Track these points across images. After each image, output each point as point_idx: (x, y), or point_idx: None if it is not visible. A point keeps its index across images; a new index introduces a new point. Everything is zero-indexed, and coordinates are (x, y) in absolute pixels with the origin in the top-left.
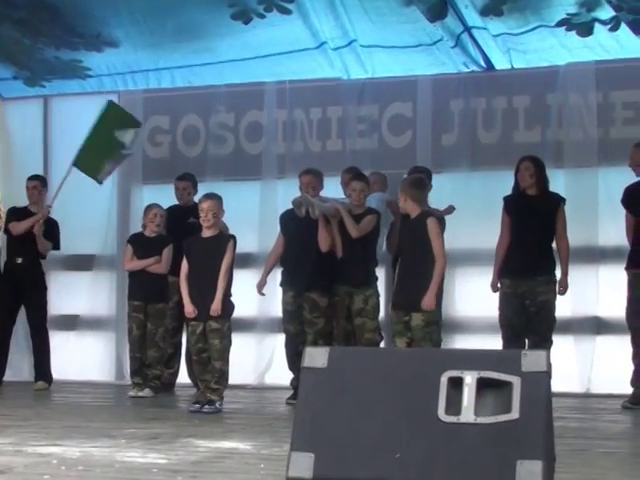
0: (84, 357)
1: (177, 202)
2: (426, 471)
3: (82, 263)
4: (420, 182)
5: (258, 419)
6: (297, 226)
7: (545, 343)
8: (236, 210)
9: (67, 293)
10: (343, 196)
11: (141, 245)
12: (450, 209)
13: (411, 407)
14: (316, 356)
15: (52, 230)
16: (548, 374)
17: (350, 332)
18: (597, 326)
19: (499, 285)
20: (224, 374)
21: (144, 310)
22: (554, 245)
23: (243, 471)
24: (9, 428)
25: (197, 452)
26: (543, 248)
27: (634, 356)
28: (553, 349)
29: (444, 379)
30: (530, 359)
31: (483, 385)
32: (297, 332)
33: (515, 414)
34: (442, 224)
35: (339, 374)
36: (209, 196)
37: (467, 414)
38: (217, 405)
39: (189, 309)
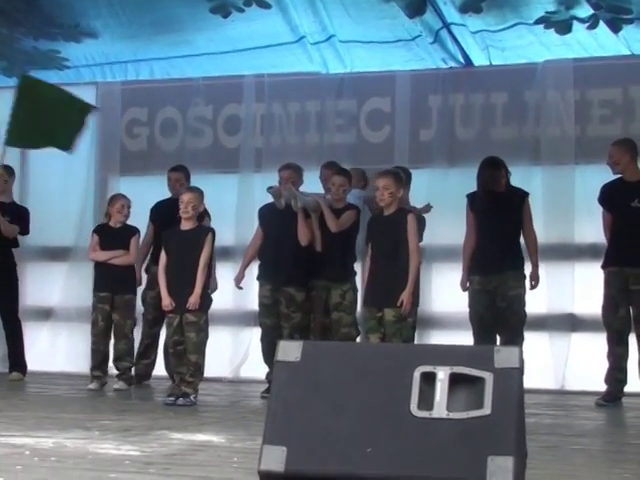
0: (59, 348)
1: (170, 194)
2: (398, 466)
3: (57, 254)
4: (402, 179)
5: (232, 412)
6: (276, 219)
7: (517, 339)
8: (213, 203)
9: (42, 284)
10: (322, 191)
11: (107, 235)
12: (427, 208)
13: (384, 402)
14: (289, 350)
15: (22, 215)
16: (521, 370)
17: (327, 326)
18: (572, 323)
19: (468, 283)
20: (199, 367)
21: (111, 301)
22: (522, 240)
23: (216, 464)
24: None
25: (170, 444)
26: (511, 243)
27: (608, 354)
28: (528, 345)
29: (417, 374)
30: (503, 355)
31: (456, 381)
32: (273, 326)
33: (487, 410)
34: (422, 222)
35: (312, 368)
36: (190, 189)
37: (439, 409)
38: (192, 398)
39: (166, 302)
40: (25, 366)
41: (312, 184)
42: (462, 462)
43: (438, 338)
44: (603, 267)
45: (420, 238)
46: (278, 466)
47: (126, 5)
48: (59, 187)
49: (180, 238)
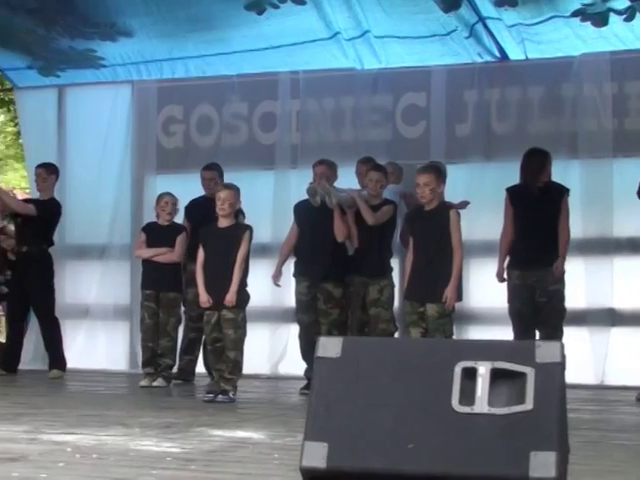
0: (98, 346)
1: (204, 193)
2: (440, 461)
3: (94, 252)
4: (443, 174)
5: (272, 409)
6: (312, 216)
7: (556, 333)
8: (249, 200)
9: (80, 282)
10: (357, 187)
11: (155, 233)
12: (464, 204)
13: (425, 397)
14: (330, 346)
15: (49, 205)
16: (562, 365)
17: (365, 323)
18: (612, 318)
19: (506, 276)
20: (238, 364)
21: (156, 299)
22: None
23: (256, 461)
24: (24, 416)
25: (211, 441)
26: (550, 238)
27: None
28: (567, 340)
29: (458, 369)
30: (544, 350)
31: (497, 376)
32: (311, 322)
33: (529, 405)
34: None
35: (353, 364)
36: (227, 186)
37: (481, 405)
38: (231, 395)
39: (203, 298)
40: (64, 363)
41: (348, 180)
42: (504, 458)
43: (476, 333)
44: None
45: None
46: (320, 462)
47: (161, 3)
48: (96, 185)
49: (217, 235)
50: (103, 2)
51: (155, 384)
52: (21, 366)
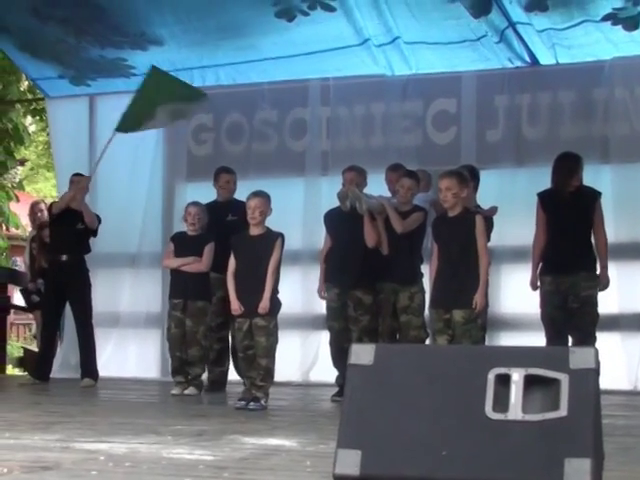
0: (129, 354)
1: (216, 198)
2: (473, 468)
3: (125, 260)
4: (466, 179)
5: (304, 416)
6: (342, 223)
7: (589, 339)
8: (280, 207)
9: (112, 290)
10: (387, 193)
11: (183, 243)
12: (493, 210)
13: (458, 404)
14: (362, 353)
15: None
16: (596, 371)
17: (395, 329)
18: None
19: (539, 283)
20: (270, 371)
21: (183, 308)
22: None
23: (289, 468)
24: (56, 424)
25: (243, 449)
26: (583, 243)
27: None
28: (600, 346)
29: (491, 376)
30: (578, 356)
31: (530, 382)
32: (342, 329)
33: (563, 411)
34: (489, 223)
35: (385, 371)
36: (257, 194)
37: (515, 411)
38: (262, 402)
39: (235, 306)
40: (97, 372)
41: (378, 187)
42: (538, 464)
43: (508, 339)
44: None
45: (488, 239)
46: (353, 470)
47: (191, 12)
48: (126, 193)
49: (249, 244)
50: (133, 11)
51: (187, 392)
52: (52, 374)
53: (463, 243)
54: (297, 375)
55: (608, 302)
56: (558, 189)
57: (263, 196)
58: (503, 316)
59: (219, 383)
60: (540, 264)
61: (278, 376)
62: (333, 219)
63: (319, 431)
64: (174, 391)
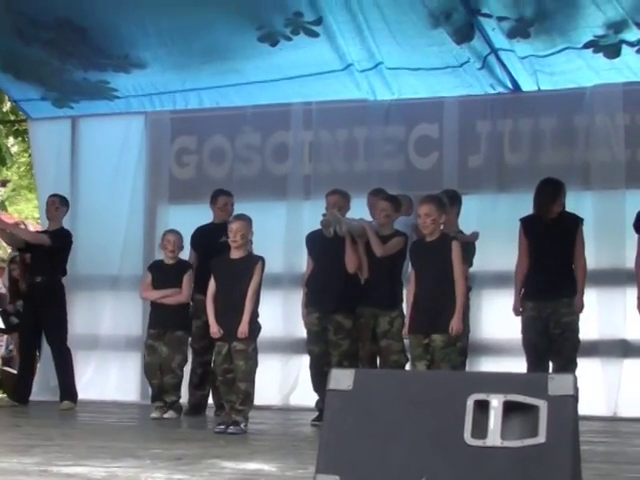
0: (109, 377)
1: (212, 220)
2: None
3: (105, 283)
4: (445, 205)
5: (283, 440)
6: (324, 247)
7: (570, 365)
8: (262, 231)
9: (91, 312)
10: (370, 218)
11: (161, 272)
12: (475, 235)
13: (437, 430)
14: (341, 378)
15: (60, 234)
16: (575, 398)
17: (375, 354)
18: (624, 349)
19: (521, 309)
20: (249, 395)
21: (161, 337)
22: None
23: None
24: (35, 448)
25: (222, 473)
26: (565, 269)
27: None
28: (580, 372)
29: (470, 402)
30: (557, 382)
31: (509, 408)
32: (322, 353)
33: (542, 438)
34: (471, 249)
35: (365, 396)
36: (239, 217)
37: (493, 438)
38: (242, 426)
39: (214, 329)
40: (76, 395)
41: (361, 211)
42: None
43: (489, 365)
44: None
45: (470, 264)
46: None
47: (175, 35)
48: (108, 216)
49: (229, 267)
50: (116, 34)
51: (166, 416)
52: (32, 397)
53: (440, 268)
54: (277, 399)
55: (588, 328)
56: (540, 215)
57: (245, 219)
58: (484, 341)
59: (199, 406)
60: (522, 289)
61: (258, 400)
62: (315, 242)
63: (298, 456)
64: (154, 414)
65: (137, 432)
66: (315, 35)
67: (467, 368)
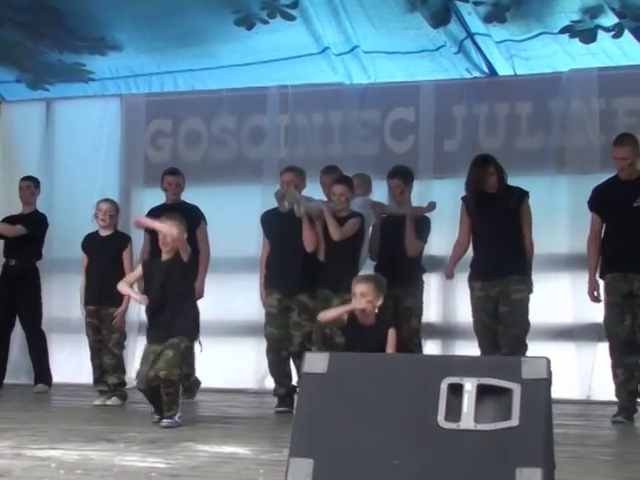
0: (83, 360)
1: (165, 200)
2: (425, 478)
3: (80, 266)
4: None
5: (258, 424)
6: (280, 225)
7: (520, 347)
8: (237, 214)
9: (67, 296)
10: (323, 197)
11: (94, 244)
12: (431, 206)
13: (411, 413)
14: (316, 361)
15: (35, 219)
16: (548, 381)
17: (327, 337)
18: (598, 333)
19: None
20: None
21: (97, 314)
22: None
23: (242, 476)
24: (8, 431)
25: (196, 457)
26: (513, 246)
27: (616, 365)
28: (554, 355)
29: (444, 386)
30: (530, 366)
31: (483, 392)
32: (281, 337)
33: (515, 421)
34: (427, 224)
35: (339, 380)
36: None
37: (467, 421)
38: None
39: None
40: (50, 378)
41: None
42: (490, 474)
43: (463, 349)
44: (602, 275)
45: (424, 240)
46: (305, 479)
47: (151, 18)
48: (82, 199)
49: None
50: (92, 16)
51: (108, 403)
52: (5, 380)
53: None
54: (252, 382)
55: (563, 312)
56: (477, 191)
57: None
58: (458, 325)
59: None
60: (469, 270)
61: (233, 383)
62: (271, 221)
63: (273, 439)
64: (96, 402)
65: (111, 416)
66: (291, 18)
67: (441, 352)
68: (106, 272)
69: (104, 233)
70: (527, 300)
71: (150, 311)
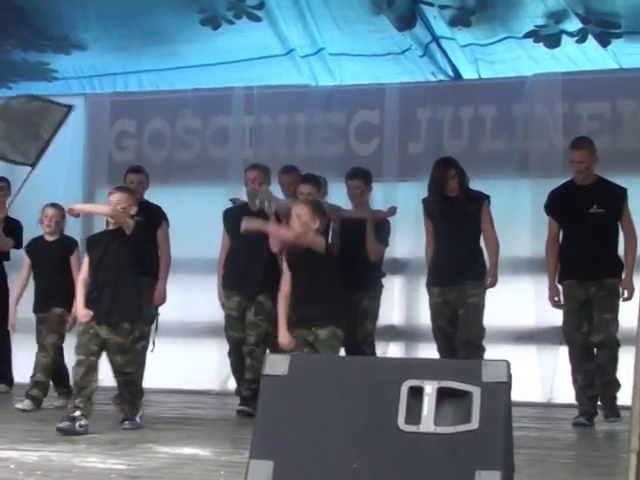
0: None
1: None
2: None
3: None
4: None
5: (220, 425)
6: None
7: (476, 351)
8: (201, 215)
9: (28, 295)
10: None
11: (40, 250)
12: (391, 210)
13: (371, 416)
14: (277, 363)
15: (14, 229)
16: (508, 385)
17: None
18: (560, 336)
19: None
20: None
21: (42, 317)
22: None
23: (203, 478)
24: None
25: (157, 458)
26: (470, 251)
27: (575, 371)
28: (516, 359)
29: (404, 388)
30: (491, 369)
31: (443, 395)
32: (242, 339)
33: (474, 424)
34: (387, 227)
35: (300, 382)
36: (54, 205)
37: (427, 424)
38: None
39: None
40: (11, 378)
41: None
42: (449, 477)
43: (426, 351)
44: (561, 281)
45: (385, 243)
46: None
47: (115, 18)
48: (46, 199)
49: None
50: (56, 15)
51: (18, 406)
52: None
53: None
54: (215, 384)
55: (525, 316)
56: (437, 194)
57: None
58: (421, 328)
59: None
60: (427, 274)
61: (196, 385)
62: (234, 218)
63: (235, 441)
64: (57, 403)
65: None
66: (257, 19)
67: (404, 355)
68: (52, 277)
69: (50, 238)
70: (482, 305)
71: (91, 287)
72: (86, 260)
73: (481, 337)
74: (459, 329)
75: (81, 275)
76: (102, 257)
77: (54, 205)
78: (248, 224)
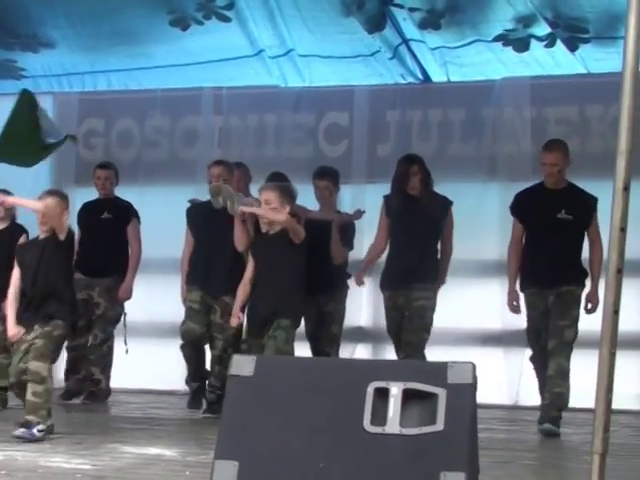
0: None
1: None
2: None
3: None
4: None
5: (186, 425)
6: (209, 221)
7: (415, 354)
8: (169, 215)
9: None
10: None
11: None
12: (358, 214)
13: (337, 417)
14: (243, 364)
15: None
16: (474, 386)
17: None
18: (526, 339)
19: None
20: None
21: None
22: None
23: (168, 478)
24: None
25: (122, 458)
26: (424, 254)
27: (537, 376)
28: (483, 361)
29: (370, 389)
30: (456, 371)
31: (409, 396)
32: (201, 334)
33: (439, 426)
34: (352, 229)
35: (266, 383)
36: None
37: (392, 425)
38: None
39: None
40: None
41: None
42: (414, 478)
43: (393, 353)
44: (523, 289)
45: (350, 246)
46: None
47: (84, 16)
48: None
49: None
50: (24, 13)
51: None
52: None
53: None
54: (182, 384)
55: (491, 318)
56: (399, 193)
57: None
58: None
59: (74, 392)
60: (380, 278)
61: (162, 385)
62: (197, 216)
63: (200, 441)
64: None
65: None
66: (227, 20)
67: (372, 356)
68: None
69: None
70: (429, 308)
71: (23, 293)
72: (16, 271)
73: (423, 340)
74: (402, 331)
75: (12, 288)
76: (37, 265)
77: (2, 190)
78: (244, 207)
